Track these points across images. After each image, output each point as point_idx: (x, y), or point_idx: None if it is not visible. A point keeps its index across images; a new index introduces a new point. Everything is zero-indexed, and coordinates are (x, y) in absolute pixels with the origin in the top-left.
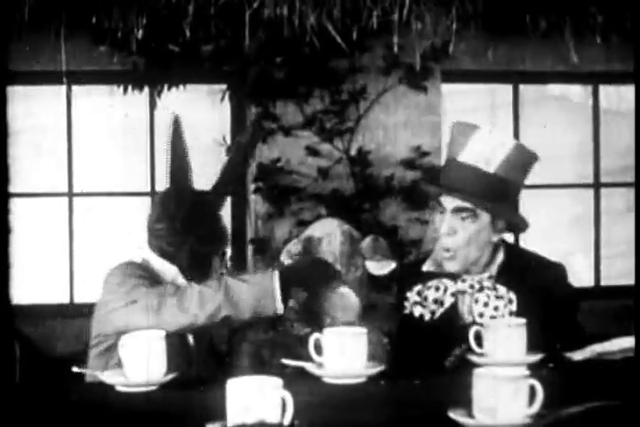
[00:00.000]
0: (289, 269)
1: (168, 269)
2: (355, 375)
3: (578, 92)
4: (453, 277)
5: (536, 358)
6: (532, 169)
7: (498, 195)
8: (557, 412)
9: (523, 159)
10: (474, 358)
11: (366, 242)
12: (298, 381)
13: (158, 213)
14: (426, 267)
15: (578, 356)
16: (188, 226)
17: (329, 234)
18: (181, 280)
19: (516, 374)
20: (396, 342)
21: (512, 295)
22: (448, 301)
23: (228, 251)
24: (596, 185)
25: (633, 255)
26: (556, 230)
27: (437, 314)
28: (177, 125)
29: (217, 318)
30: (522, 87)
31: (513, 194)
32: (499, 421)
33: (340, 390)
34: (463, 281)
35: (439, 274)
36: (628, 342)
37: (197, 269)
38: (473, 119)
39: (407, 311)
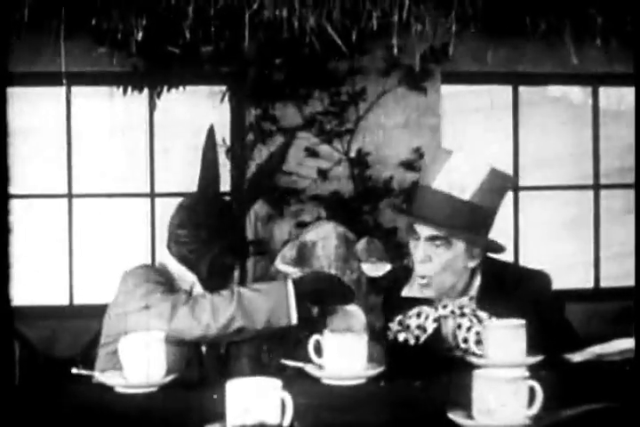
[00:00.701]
0: (303, 280)
1: (186, 276)
2: (354, 377)
3: (577, 94)
4: (434, 303)
5: (535, 359)
6: (508, 192)
7: (472, 223)
8: (557, 413)
9: (498, 184)
10: (473, 360)
11: (361, 244)
12: (297, 382)
13: (182, 218)
14: (405, 292)
15: (577, 357)
16: (213, 235)
17: (324, 238)
18: (199, 288)
19: (515, 376)
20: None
21: (494, 320)
22: (431, 326)
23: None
24: (596, 186)
25: (633, 257)
26: (555, 232)
27: (422, 339)
28: (211, 135)
29: (230, 328)
30: (521, 89)
31: (488, 220)
32: (498, 422)
33: (340, 392)
34: (444, 307)
35: (419, 300)
36: (627, 343)
37: (216, 279)
38: (473, 121)
39: (391, 338)
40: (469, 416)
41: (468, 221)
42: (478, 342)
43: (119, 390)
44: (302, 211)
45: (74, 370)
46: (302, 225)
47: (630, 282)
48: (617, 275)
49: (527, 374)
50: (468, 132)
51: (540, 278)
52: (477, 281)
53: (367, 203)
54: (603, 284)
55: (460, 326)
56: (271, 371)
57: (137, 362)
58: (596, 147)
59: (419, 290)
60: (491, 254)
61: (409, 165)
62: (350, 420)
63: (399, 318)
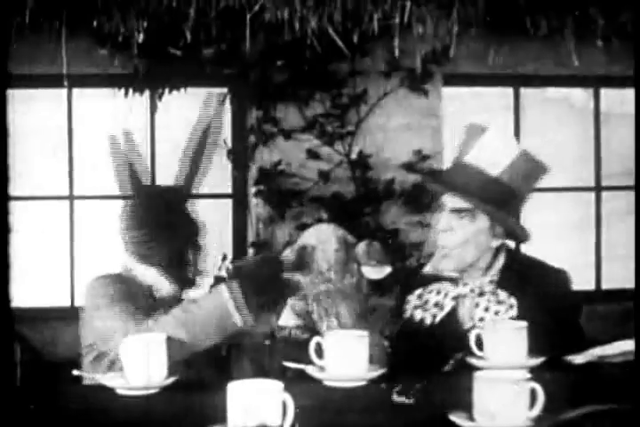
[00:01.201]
0: (236, 274)
1: (148, 273)
2: (356, 379)
3: (579, 96)
4: (454, 281)
5: (537, 361)
6: (540, 180)
7: (498, 199)
8: (558, 415)
9: (528, 168)
10: (474, 362)
11: (360, 247)
12: (299, 384)
13: (129, 220)
14: (427, 270)
15: (578, 359)
16: (163, 228)
17: (323, 242)
18: (162, 282)
19: (516, 378)
20: (396, 345)
21: (513, 301)
22: (449, 305)
23: (229, 255)
24: (597, 188)
25: (633, 258)
26: (557, 233)
27: (438, 318)
28: (114, 142)
29: (186, 355)
30: (523, 90)
31: (514, 201)
32: (499, 424)
33: (341, 394)
34: (464, 285)
35: (440, 277)
36: (628, 345)
37: (175, 267)
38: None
39: (408, 315)
40: (470, 418)
41: (494, 197)
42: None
43: (120, 391)
44: (303, 213)
45: (75, 372)
46: (303, 227)
47: (631, 284)
48: (618, 277)
49: (528, 375)
50: None
51: (562, 275)
52: (499, 263)
53: (368, 205)
54: (604, 286)
55: (477, 305)
56: (271, 375)
57: (138, 364)
58: (598, 148)
59: (439, 262)
60: (512, 243)
61: (410, 167)
62: (351, 422)
63: (419, 291)
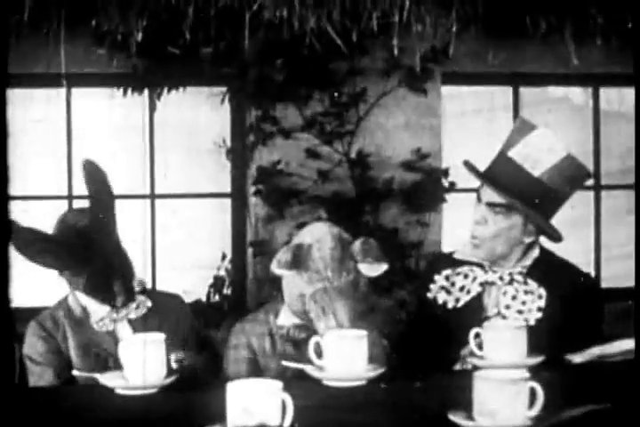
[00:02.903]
0: None
1: (80, 298)
2: (355, 378)
3: (578, 95)
4: (484, 267)
5: (536, 360)
6: (582, 185)
7: (535, 200)
8: (558, 414)
9: (571, 171)
10: (474, 361)
11: (357, 245)
12: (298, 384)
13: (46, 263)
14: (457, 255)
15: (578, 358)
16: (74, 257)
17: (319, 240)
18: (96, 305)
19: (516, 377)
20: (412, 325)
21: (542, 291)
22: (475, 290)
23: (228, 255)
24: (597, 187)
25: (633, 257)
26: None
27: (461, 302)
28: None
29: None
30: (522, 89)
31: (551, 203)
32: (499, 423)
33: (341, 393)
34: (494, 272)
35: (470, 262)
36: (628, 344)
37: (104, 291)
38: (473, 122)
39: (432, 295)
40: (470, 418)
41: (532, 197)
42: (520, 312)
43: (119, 391)
44: (302, 212)
45: (74, 372)
46: (303, 226)
47: (631, 283)
48: (618, 276)
49: (528, 375)
50: (469, 133)
51: (591, 278)
52: (532, 256)
53: (368, 204)
54: (603, 284)
55: (505, 293)
56: (269, 375)
57: (137, 363)
58: (597, 147)
59: (469, 251)
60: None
61: (409, 166)
62: (351, 421)
63: (447, 272)
